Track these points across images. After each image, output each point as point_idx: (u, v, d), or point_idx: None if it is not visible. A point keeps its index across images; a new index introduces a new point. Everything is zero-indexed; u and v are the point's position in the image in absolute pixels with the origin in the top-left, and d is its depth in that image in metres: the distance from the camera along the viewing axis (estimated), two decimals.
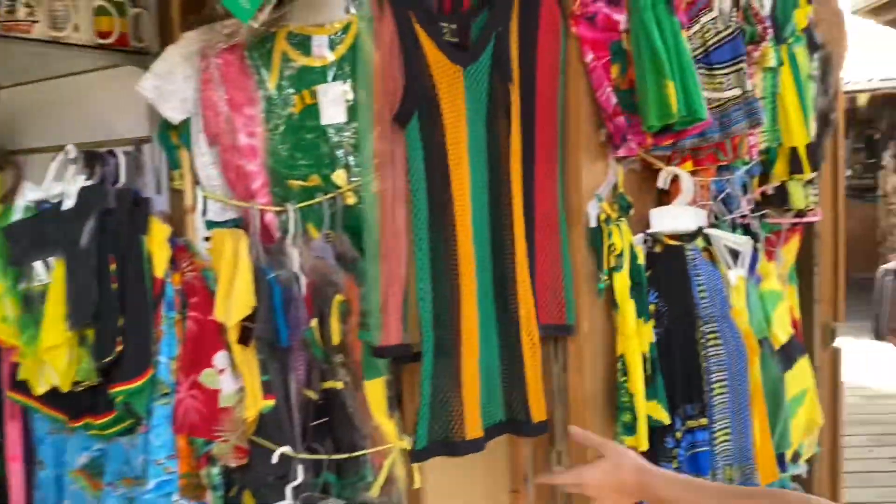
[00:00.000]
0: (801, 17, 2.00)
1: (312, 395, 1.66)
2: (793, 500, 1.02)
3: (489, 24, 1.50)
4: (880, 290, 1.33)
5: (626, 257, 1.60)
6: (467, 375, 1.48)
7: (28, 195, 1.83)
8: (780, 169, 2.00)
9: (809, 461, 2.09)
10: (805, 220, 2.14)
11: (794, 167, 1.99)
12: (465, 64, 1.49)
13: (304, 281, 1.66)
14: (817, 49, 2.11)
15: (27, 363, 1.77)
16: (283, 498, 1.73)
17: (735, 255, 1.76)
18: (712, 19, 1.73)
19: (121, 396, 1.67)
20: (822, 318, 2.50)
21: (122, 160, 1.89)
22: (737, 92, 1.64)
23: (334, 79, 1.62)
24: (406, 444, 1.58)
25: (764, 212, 1.98)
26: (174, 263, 1.75)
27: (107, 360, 1.64)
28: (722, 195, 1.84)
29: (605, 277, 1.60)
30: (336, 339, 1.60)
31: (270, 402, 1.71)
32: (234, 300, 1.66)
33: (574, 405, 1.62)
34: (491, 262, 1.53)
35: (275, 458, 1.71)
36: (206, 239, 1.87)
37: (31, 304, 1.77)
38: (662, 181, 1.71)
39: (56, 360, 1.68)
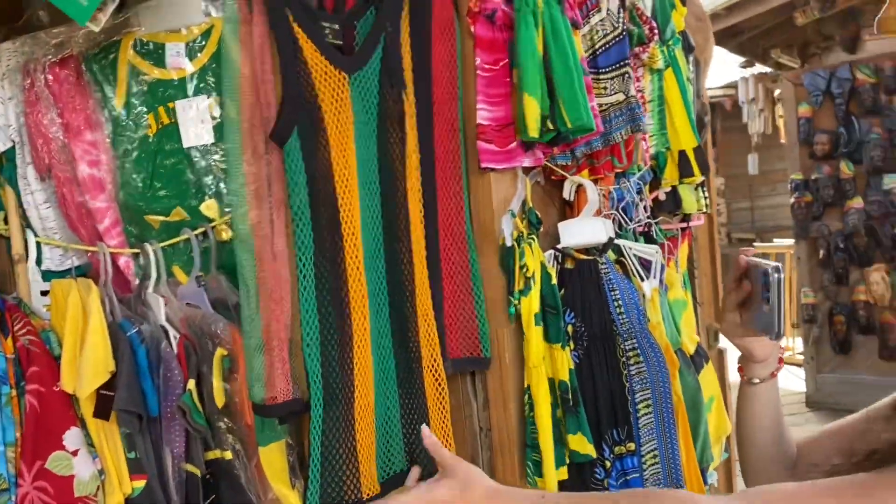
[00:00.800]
0: (678, 18, 1.96)
1: (195, 469, 1.39)
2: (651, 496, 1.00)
3: (377, 25, 1.31)
4: (776, 285, 1.29)
5: (538, 278, 1.46)
6: (362, 427, 1.29)
7: None
8: (670, 173, 1.95)
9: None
10: (693, 224, 2.12)
11: (685, 171, 1.94)
12: (352, 70, 1.29)
13: (174, 335, 1.39)
14: (691, 51, 2.10)
15: None
16: None
17: (644, 265, 1.68)
18: (601, 20, 1.64)
19: None
20: (705, 321, 2.51)
21: None
22: (620, 97, 1.55)
23: (196, 93, 1.37)
24: None
25: (660, 218, 1.92)
26: (3, 327, 1.43)
27: None
28: (622, 203, 1.76)
29: (516, 301, 1.45)
30: (220, 401, 1.34)
31: (140, 484, 1.43)
32: (87, 365, 1.37)
33: (499, 444, 1.46)
34: (387, 295, 1.35)
35: None
36: (44, 293, 1.56)
37: None
38: (568, 192, 1.60)
39: None
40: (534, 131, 1.32)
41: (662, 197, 2.00)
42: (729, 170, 9.20)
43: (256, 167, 1.17)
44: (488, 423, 1.46)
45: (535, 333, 1.45)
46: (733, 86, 7.21)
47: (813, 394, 5.39)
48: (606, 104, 1.55)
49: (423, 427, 1.19)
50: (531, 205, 1.48)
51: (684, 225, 2.09)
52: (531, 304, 1.45)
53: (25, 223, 1.53)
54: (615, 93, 1.54)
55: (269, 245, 1.17)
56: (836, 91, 4.97)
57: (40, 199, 1.49)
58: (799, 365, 5.78)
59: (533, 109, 1.32)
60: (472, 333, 1.44)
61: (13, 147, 1.47)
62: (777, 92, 6.29)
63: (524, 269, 1.42)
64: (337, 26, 1.30)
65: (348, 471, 1.22)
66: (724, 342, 2.53)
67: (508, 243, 1.41)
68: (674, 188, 2.00)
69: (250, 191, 1.15)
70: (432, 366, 1.37)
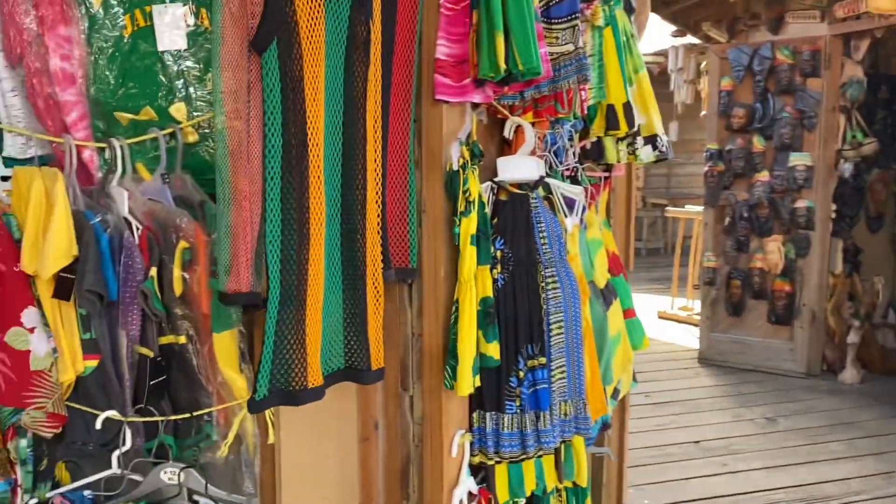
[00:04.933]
0: None
1: (148, 352, 1.51)
2: None
3: None
4: None
5: (476, 204, 1.62)
6: (311, 324, 1.43)
7: None
8: (598, 125, 2.13)
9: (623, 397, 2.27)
10: (613, 174, 2.31)
11: (611, 124, 2.12)
12: None
13: (136, 226, 1.49)
14: (632, 13, 2.26)
15: None
16: (106, 467, 1.57)
17: (569, 204, 1.86)
18: None
19: None
20: None
21: None
22: (570, 48, 1.71)
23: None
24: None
25: (586, 165, 2.10)
26: None
27: None
28: (555, 147, 1.93)
29: (458, 221, 1.61)
30: (178, 289, 1.46)
31: (92, 363, 1.54)
32: (50, 249, 1.46)
33: (428, 351, 1.63)
34: (340, 207, 1.47)
35: (98, 424, 1.54)
36: (4, 178, 1.62)
37: None
38: (508, 131, 1.75)
39: None
40: (500, 67, 1.45)
41: (588, 146, 2.18)
42: None
43: (235, 74, 1.27)
44: (420, 330, 1.63)
45: (469, 252, 1.62)
46: (663, 53, 7.46)
47: (705, 350, 5.80)
48: (557, 53, 1.69)
49: None
50: (475, 138, 1.63)
51: (606, 175, 2.29)
52: (470, 225, 1.61)
53: None
54: (566, 43, 1.69)
55: (244, 150, 1.28)
56: (757, 68, 5.26)
57: (7, 87, 1.54)
58: (696, 325, 6.18)
59: (501, 47, 1.45)
60: (405, 247, 1.59)
61: None
62: (703, 64, 6.57)
63: (467, 193, 1.58)
64: None
65: (297, 360, 1.36)
66: None
67: (455, 168, 1.56)
68: (599, 139, 2.18)
69: (230, 91, 1.26)
70: (374, 274, 1.52)
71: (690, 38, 7.03)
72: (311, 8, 1.33)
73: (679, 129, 8.28)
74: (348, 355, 1.49)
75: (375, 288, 1.47)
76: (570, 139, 2.02)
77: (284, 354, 1.38)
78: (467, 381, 1.62)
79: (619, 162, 2.19)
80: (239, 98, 1.26)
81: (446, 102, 1.52)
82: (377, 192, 1.45)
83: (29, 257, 1.50)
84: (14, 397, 1.48)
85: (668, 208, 8.36)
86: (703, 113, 6.00)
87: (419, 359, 1.64)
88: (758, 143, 5.34)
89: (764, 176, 5.36)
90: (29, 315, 1.51)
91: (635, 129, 2.22)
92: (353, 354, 1.49)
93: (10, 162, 1.61)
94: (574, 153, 2.02)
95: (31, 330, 1.51)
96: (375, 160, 1.44)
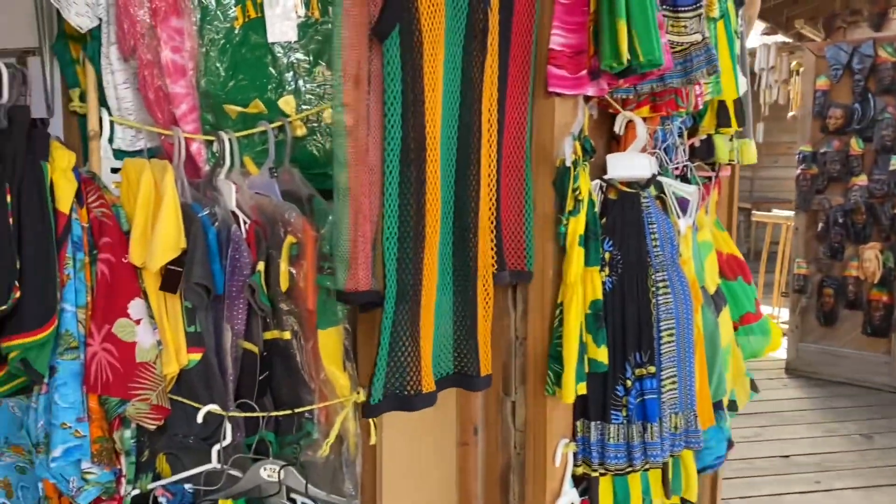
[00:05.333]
0: None
1: (252, 347, 1.49)
2: None
3: None
4: None
5: (585, 203, 1.55)
6: (425, 326, 1.37)
7: None
8: (708, 122, 2.03)
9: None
10: (721, 174, 2.20)
11: (722, 121, 2.02)
12: None
13: (244, 220, 1.48)
14: (741, 6, 2.15)
15: None
16: (206, 461, 1.56)
17: (681, 204, 1.77)
18: None
19: (16, 352, 1.42)
20: None
21: (4, 74, 1.58)
22: (698, 37, 1.62)
23: None
24: (361, 397, 1.46)
25: (697, 163, 2.01)
26: (79, 197, 1.50)
27: (2, 308, 1.38)
28: (665, 144, 1.84)
29: (566, 221, 1.54)
30: (284, 284, 1.44)
31: (196, 356, 1.53)
32: (160, 241, 1.45)
33: (533, 355, 1.57)
34: (453, 203, 1.41)
35: (199, 418, 1.54)
36: (114, 171, 1.63)
37: None
38: (619, 126, 1.67)
39: None
40: (623, 56, 1.37)
41: (697, 144, 2.08)
42: None
43: (359, 59, 1.22)
44: (524, 333, 1.56)
45: (577, 253, 1.55)
46: (751, 52, 7.21)
47: (793, 361, 5.56)
48: (687, 43, 1.60)
49: None
50: (587, 133, 1.56)
51: (714, 174, 2.18)
52: (578, 224, 1.54)
53: (100, 102, 1.59)
54: (694, 32, 1.60)
55: (363, 141, 1.23)
56: (857, 66, 5.00)
57: (120, 80, 1.55)
58: (783, 334, 5.94)
59: (624, 35, 1.37)
60: (520, 248, 1.52)
61: (99, 25, 1.52)
62: (793, 63, 6.31)
63: (577, 191, 1.51)
64: None
65: (411, 364, 1.31)
66: None
67: (568, 163, 1.49)
68: (709, 136, 2.08)
69: (351, 79, 1.22)
70: (484, 276, 1.45)
71: (780, 37, 6.77)
72: None
73: (764, 131, 8.00)
74: (458, 360, 1.44)
75: (486, 290, 1.41)
76: (680, 136, 1.93)
77: (399, 357, 1.32)
78: (571, 388, 1.55)
79: (731, 161, 2.08)
80: (359, 87, 1.22)
81: (560, 95, 1.45)
82: (491, 189, 1.39)
83: (137, 249, 1.51)
84: (120, 388, 1.49)
85: (754, 212, 8.07)
86: (792, 114, 5.76)
87: (523, 363, 1.58)
88: (856, 145, 5.08)
89: (861, 180, 5.10)
90: (136, 306, 1.51)
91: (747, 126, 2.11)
92: (462, 359, 1.43)
93: (119, 154, 1.62)
94: (684, 150, 1.93)
95: (138, 321, 1.51)
96: (490, 155, 1.38)
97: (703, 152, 2.08)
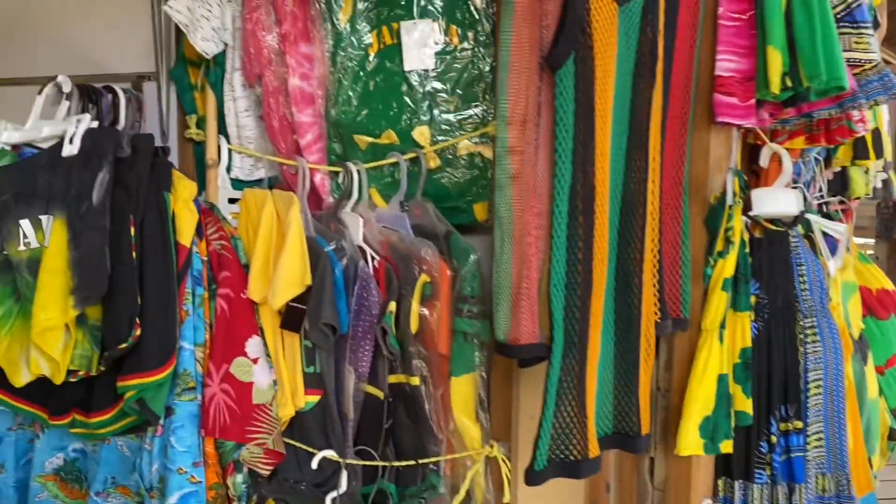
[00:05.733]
0: None
1: (376, 391, 1.40)
2: None
3: None
4: None
5: (737, 243, 1.43)
6: (590, 381, 1.23)
7: (3, 136, 1.45)
8: (843, 153, 1.89)
9: None
10: (853, 206, 2.06)
11: (860, 153, 1.88)
12: (622, 0, 1.18)
13: (372, 255, 1.39)
14: (877, 28, 2.01)
15: None
16: None
17: (828, 243, 1.63)
18: None
19: (133, 392, 1.35)
20: None
21: (122, 99, 1.54)
22: (876, 57, 1.47)
23: (422, 15, 1.34)
24: (495, 451, 1.35)
25: (837, 197, 1.87)
26: (199, 229, 1.43)
27: (122, 346, 1.31)
28: (804, 178, 1.71)
29: (713, 263, 1.42)
30: (414, 326, 1.34)
31: (313, 399, 1.44)
32: (284, 277, 1.37)
33: (676, 406, 1.44)
34: (616, 245, 1.26)
35: (314, 464, 1.45)
36: (231, 201, 1.56)
37: (4, 274, 1.40)
38: (765, 159, 1.55)
39: (49, 344, 1.33)
40: (775, 87, 1.25)
41: (830, 176, 1.94)
42: None
43: (529, 89, 1.11)
44: (668, 384, 1.44)
45: (718, 298, 1.42)
46: None
47: None
48: (866, 61, 1.45)
49: None
50: (739, 167, 1.44)
51: (845, 207, 2.04)
52: (726, 267, 1.41)
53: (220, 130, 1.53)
54: (874, 51, 1.46)
55: (531, 179, 1.12)
56: None
57: (242, 107, 1.49)
58: None
59: (776, 63, 1.25)
60: (676, 293, 1.39)
61: (223, 51, 1.46)
62: None
63: (730, 231, 1.39)
64: None
65: (578, 425, 1.18)
66: None
67: (729, 202, 1.37)
68: (843, 169, 1.94)
69: (519, 112, 1.11)
70: (647, 325, 1.31)
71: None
72: (606, 16, 1.13)
73: None
74: (618, 418, 1.31)
75: (648, 340, 1.28)
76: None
77: (565, 417, 1.19)
78: (687, 441, 1.41)
79: (867, 195, 1.94)
80: (528, 121, 1.11)
81: (728, 125, 1.33)
82: (654, 230, 1.27)
83: (257, 284, 1.43)
84: (238, 432, 1.41)
85: None
86: None
87: (665, 417, 1.45)
88: None
89: None
90: (253, 344, 1.44)
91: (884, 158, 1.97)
92: (622, 417, 1.30)
93: (236, 183, 1.56)
94: (823, 184, 1.79)
95: (255, 360, 1.44)
96: (653, 192, 1.26)
97: (837, 185, 1.94)
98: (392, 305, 1.32)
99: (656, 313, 1.30)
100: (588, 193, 1.11)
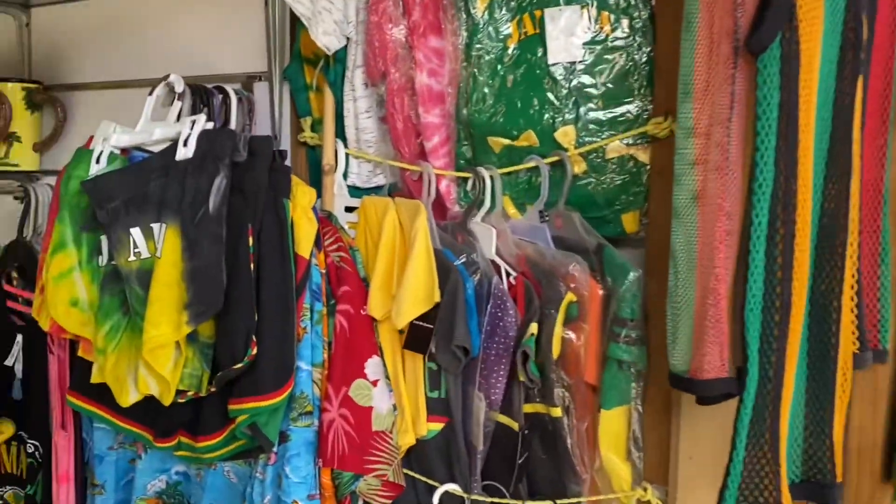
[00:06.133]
0: None
1: (510, 422, 1.26)
2: None
3: None
4: None
5: None
6: (783, 420, 1.05)
7: (112, 140, 1.37)
8: None
9: None
10: None
11: None
12: None
13: (506, 271, 1.25)
14: None
15: (105, 363, 1.32)
16: None
17: None
18: None
19: (245, 416, 1.24)
20: None
21: (233, 99, 1.44)
22: None
23: (568, 1, 1.20)
24: (648, 495, 1.19)
25: None
26: (316, 240, 1.32)
27: (237, 367, 1.21)
28: None
29: None
30: (556, 350, 1.19)
31: (437, 426, 1.31)
32: (410, 293, 1.25)
33: (859, 447, 1.25)
34: (812, 263, 1.07)
35: (435, 499, 1.31)
36: (348, 210, 1.45)
37: (112, 285, 1.32)
38: None
39: (160, 362, 1.24)
40: None
41: None
42: None
43: (718, 83, 0.94)
44: (851, 422, 1.25)
45: None
46: None
47: None
48: None
49: None
50: None
51: None
52: None
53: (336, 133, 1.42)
54: None
55: (719, 190, 0.95)
56: None
57: (362, 108, 1.37)
58: None
59: None
60: (873, 320, 1.20)
61: (344, 47, 1.35)
62: None
63: None
64: None
65: (771, 470, 1.00)
66: None
67: None
68: None
69: (703, 116, 0.95)
70: (845, 357, 1.12)
71: None
72: None
73: None
74: (808, 463, 1.13)
75: (844, 375, 1.10)
76: None
77: (758, 461, 1.01)
78: None
79: None
80: (715, 123, 0.95)
81: None
82: (853, 245, 1.09)
83: (378, 300, 1.31)
84: (356, 462, 1.28)
85: None
86: None
87: (845, 459, 1.26)
88: None
89: None
90: (372, 365, 1.32)
91: None
92: (814, 462, 1.13)
93: (353, 190, 1.44)
94: None
95: (374, 383, 1.31)
96: (856, 203, 1.07)
97: None
98: (534, 327, 1.17)
99: (854, 343, 1.12)
100: (790, 200, 0.94)
